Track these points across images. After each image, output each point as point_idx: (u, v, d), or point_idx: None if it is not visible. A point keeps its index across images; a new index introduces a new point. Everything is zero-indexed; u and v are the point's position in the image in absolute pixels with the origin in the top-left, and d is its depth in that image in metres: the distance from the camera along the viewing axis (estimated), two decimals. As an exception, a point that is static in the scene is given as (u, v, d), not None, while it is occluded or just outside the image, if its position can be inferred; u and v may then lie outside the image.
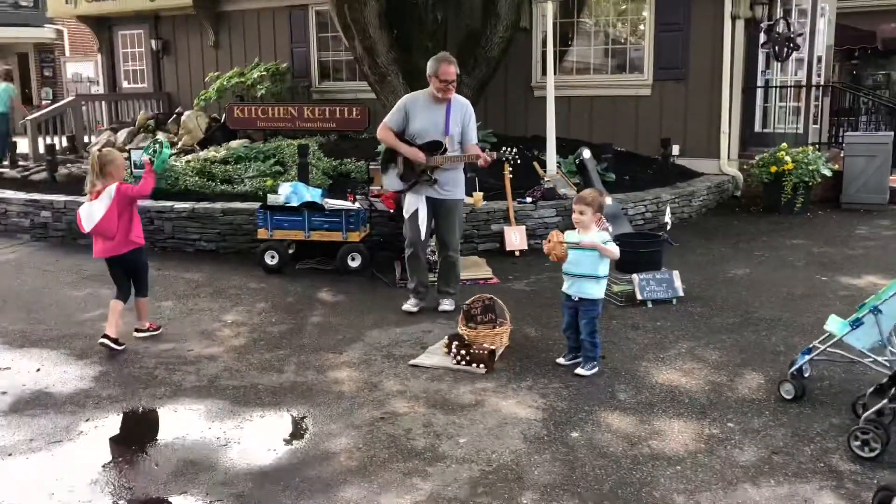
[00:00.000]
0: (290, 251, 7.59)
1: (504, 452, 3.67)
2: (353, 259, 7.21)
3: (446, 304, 5.81)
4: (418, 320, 5.76)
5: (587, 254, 4.48)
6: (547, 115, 9.16)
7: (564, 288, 4.63)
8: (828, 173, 9.68)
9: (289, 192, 7.44)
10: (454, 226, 5.78)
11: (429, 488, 3.37)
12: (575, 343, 4.67)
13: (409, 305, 5.92)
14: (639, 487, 3.33)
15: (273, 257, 7.26)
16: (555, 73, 9.59)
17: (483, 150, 5.66)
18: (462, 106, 5.67)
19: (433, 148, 5.61)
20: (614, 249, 4.52)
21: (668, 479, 3.40)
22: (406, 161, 5.66)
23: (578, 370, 4.58)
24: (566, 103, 11.01)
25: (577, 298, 4.56)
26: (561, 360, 4.71)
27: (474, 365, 4.73)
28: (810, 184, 9.70)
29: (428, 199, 5.72)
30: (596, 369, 4.61)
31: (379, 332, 5.52)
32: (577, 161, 8.77)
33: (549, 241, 4.48)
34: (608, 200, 8.20)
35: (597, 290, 4.55)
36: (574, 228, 4.63)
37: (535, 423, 3.99)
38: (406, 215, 5.81)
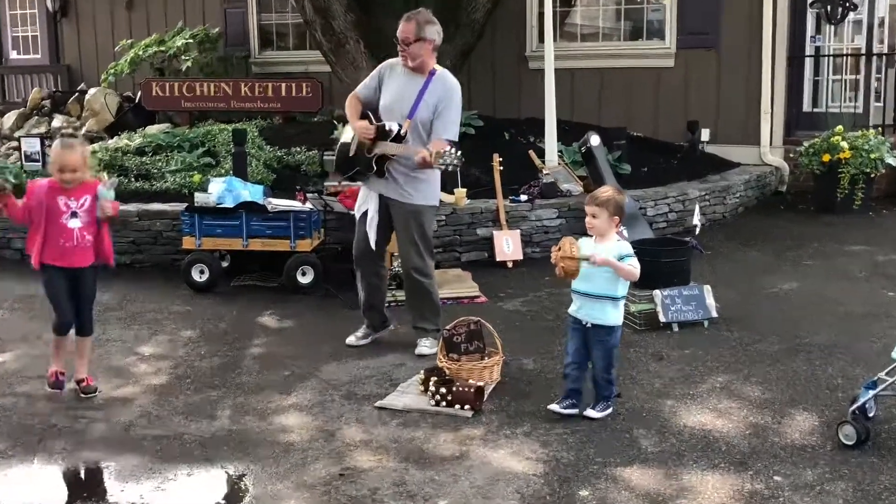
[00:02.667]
0: (224, 264, 7.60)
1: (496, 517, 3.65)
2: (303, 274, 7.23)
3: (424, 347, 5.70)
4: (385, 351, 5.76)
5: (604, 270, 4.47)
6: (545, 92, 9.21)
7: (572, 310, 4.64)
8: (893, 163, 9.81)
9: (222, 189, 7.43)
10: (413, 239, 5.63)
11: (401, 564, 3.36)
12: (577, 383, 4.62)
13: (354, 337, 5.87)
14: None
15: (202, 272, 7.27)
16: (554, 40, 9.65)
17: (450, 146, 5.37)
18: (445, 87, 5.54)
19: (389, 132, 5.53)
20: (634, 267, 4.48)
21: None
22: (359, 144, 5.64)
23: (589, 412, 4.58)
24: (569, 77, 11.08)
25: (588, 324, 4.56)
26: (555, 407, 4.62)
27: (458, 406, 4.74)
28: (872, 176, 9.83)
29: (382, 198, 5.66)
30: (609, 410, 4.62)
31: (337, 366, 5.51)
32: (583, 149, 8.84)
33: (559, 250, 4.46)
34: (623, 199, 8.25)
35: (614, 315, 4.55)
36: (588, 235, 4.64)
37: (535, 479, 3.99)
38: (357, 215, 5.79)
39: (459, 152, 5.36)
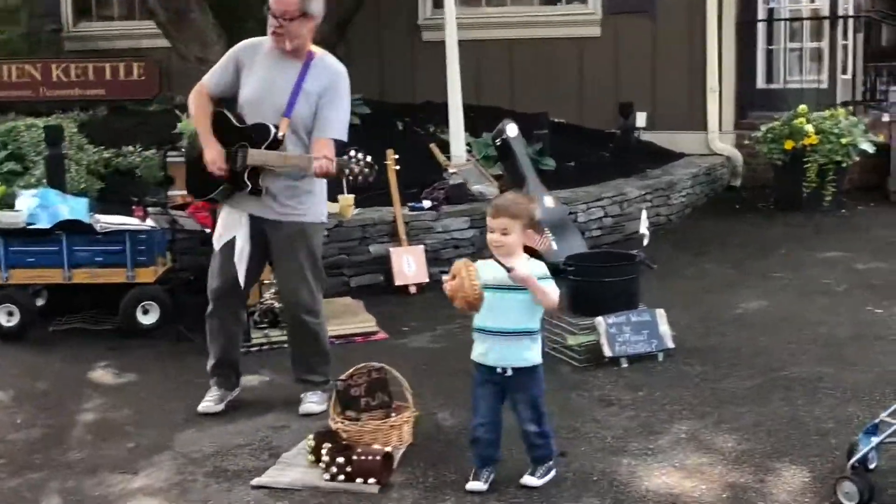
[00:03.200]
0: (40, 303, 7.43)
1: None
2: (145, 312, 7.14)
3: (311, 403, 5.58)
4: (260, 409, 5.66)
5: (519, 297, 4.38)
6: (447, 69, 9.20)
7: (478, 355, 4.51)
8: (869, 149, 10.14)
9: (33, 205, 7.25)
10: (302, 270, 5.50)
11: None
12: (493, 448, 4.53)
13: (207, 402, 5.67)
14: None
15: (11, 315, 7.10)
16: (455, 5, 9.62)
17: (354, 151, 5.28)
18: (329, 74, 5.40)
19: (259, 135, 5.34)
20: (554, 291, 4.42)
21: None
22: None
23: (526, 479, 4.51)
24: (474, 51, 11.11)
25: (505, 371, 4.44)
26: (477, 486, 4.47)
27: (360, 480, 4.62)
28: (844, 165, 10.14)
29: (254, 219, 5.49)
30: (552, 474, 4.57)
31: (197, 434, 5.36)
32: (497, 141, 8.87)
33: (454, 278, 4.31)
34: (549, 202, 8.33)
35: (535, 353, 4.49)
36: (490, 256, 4.53)
37: (466, 571, 3.88)
38: (216, 245, 5.58)
39: (369, 157, 5.25)
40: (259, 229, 5.48)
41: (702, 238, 9.34)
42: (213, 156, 5.36)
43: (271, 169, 5.34)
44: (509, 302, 4.37)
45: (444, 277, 4.41)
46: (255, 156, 5.32)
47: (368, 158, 5.26)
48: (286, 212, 5.43)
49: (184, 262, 7.55)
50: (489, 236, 4.40)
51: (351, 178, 5.22)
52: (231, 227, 5.50)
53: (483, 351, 4.45)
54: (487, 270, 4.36)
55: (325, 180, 5.49)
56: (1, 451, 5.22)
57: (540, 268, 4.42)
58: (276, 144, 5.33)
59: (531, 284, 4.32)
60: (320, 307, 5.66)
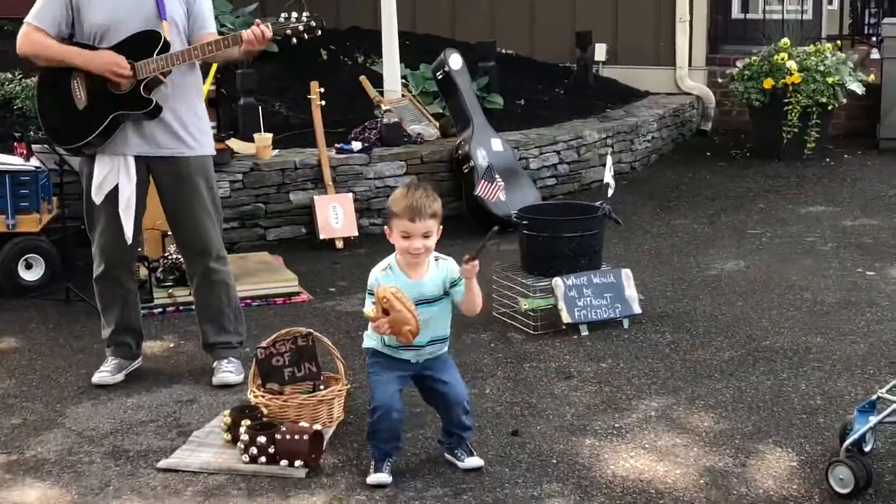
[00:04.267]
0: None
1: None
2: (28, 266, 7.08)
3: (227, 372, 5.54)
4: (165, 379, 5.66)
5: (435, 308, 4.49)
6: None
7: (391, 350, 4.56)
8: (857, 90, 10.24)
9: None
10: (209, 212, 5.49)
11: None
12: (396, 439, 4.55)
13: (103, 373, 5.62)
14: None
15: None
16: None
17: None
18: None
19: (141, 47, 5.25)
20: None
21: None
22: (89, 83, 5.33)
23: (468, 462, 4.57)
24: (411, -31, 10.99)
25: (428, 373, 4.61)
26: (380, 478, 4.46)
27: (285, 462, 4.61)
28: (829, 108, 10.23)
29: (139, 160, 5.41)
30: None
31: (93, 408, 5.33)
32: (438, 75, 8.83)
33: (385, 312, 4.29)
34: (497, 145, 8.33)
35: (445, 347, 4.67)
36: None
37: (410, 566, 3.89)
38: (96, 198, 5.47)
39: (306, 13, 5.30)
40: (145, 172, 5.42)
41: (669, 189, 9.39)
42: (110, 58, 5.24)
43: (164, 83, 5.28)
44: (429, 314, 4.42)
45: (368, 312, 4.35)
46: (156, 62, 5.23)
47: (305, 14, 5.23)
48: (181, 145, 5.39)
49: (74, 209, 7.39)
50: (408, 243, 4.32)
51: (294, 37, 5.18)
52: (112, 175, 5.40)
53: (404, 356, 4.53)
54: (398, 284, 4.37)
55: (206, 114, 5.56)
56: None
57: (455, 269, 4.47)
58: (167, 49, 5.27)
59: (474, 282, 4.45)
60: (226, 254, 5.66)
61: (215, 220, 5.55)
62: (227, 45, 5.27)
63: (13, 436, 5.02)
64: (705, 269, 7.23)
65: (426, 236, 4.30)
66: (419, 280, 4.40)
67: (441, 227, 4.40)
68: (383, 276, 4.39)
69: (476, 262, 4.36)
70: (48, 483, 4.57)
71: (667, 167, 10.21)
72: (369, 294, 4.40)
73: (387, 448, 4.47)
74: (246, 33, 5.19)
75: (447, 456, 4.61)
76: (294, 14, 5.23)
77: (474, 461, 4.54)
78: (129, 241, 5.46)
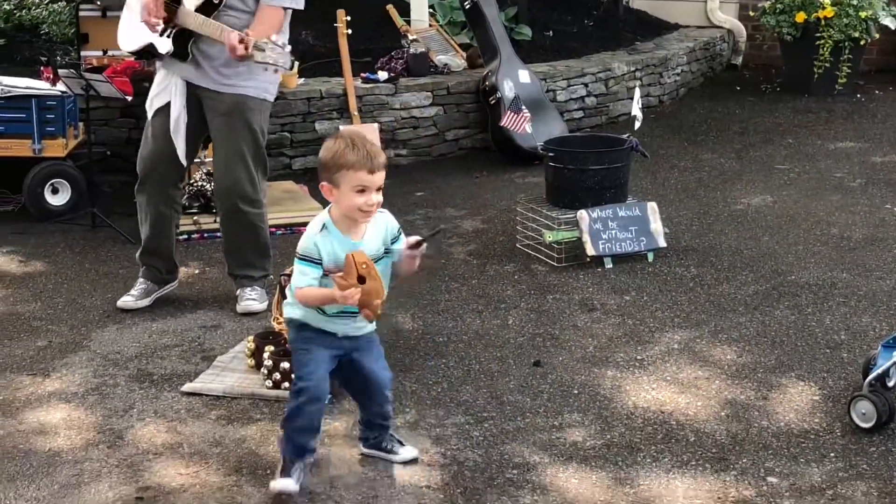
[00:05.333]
0: None
1: (377, 552, 3.58)
2: (54, 191, 7.08)
3: (251, 300, 5.56)
4: (191, 306, 5.68)
5: (381, 266, 3.86)
6: None
7: (327, 327, 3.94)
8: (890, 24, 10.11)
9: None
10: (241, 152, 5.45)
11: None
12: (316, 433, 4.02)
13: (128, 297, 5.65)
14: None
15: None
16: None
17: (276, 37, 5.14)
18: None
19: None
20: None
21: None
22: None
23: (404, 452, 4.13)
24: None
25: (359, 335, 3.99)
26: (284, 484, 3.90)
27: (308, 388, 4.62)
28: (862, 43, 10.11)
29: (190, 86, 5.42)
30: None
31: (118, 332, 5.36)
32: (466, 5, 8.75)
33: (361, 280, 3.69)
34: (525, 77, 8.29)
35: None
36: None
37: (429, 492, 3.94)
38: (148, 110, 5.54)
39: (289, 48, 5.16)
40: (196, 98, 5.42)
41: (697, 123, 9.30)
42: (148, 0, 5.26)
43: (197, 32, 5.28)
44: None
45: (334, 276, 3.72)
46: (181, 15, 5.27)
47: (288, 49, 5.15)
48: (224, 81, 5.36)
49: (99, 134, 7.43)
50: (364, 198, 3.70)
51: (265, 65, 5.10)
52: (165, 92, 5.44)
53: (333, 322, 3.91)
54: (340, 247, 3.77)
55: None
56: None
57: (393, 221, 3.95)
58: (212, 8, 5.25)
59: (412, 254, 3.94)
60: (261, 197, 5.60)
61: (252, 163, 5.48)
62: (214, 36, 5.19)
63: (39, 358, 5.06)
64: (732, 204, 7.18)
65: (381, 188, 3.76)
66: (360, 240, 3.81)
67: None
68: (321, 238, 3.77)
69: (420, 250, 3.91)
70: (73, 405, 4.62)
71: (695, 101, 10.11)
72: (301, 260, 3.78)
73: (302, 441, 3.90)
74: (229, 38, 5.04)
75: (376, 452, 4.12)
76: (283, 46, 5.11)
77: (410, 451, 4.12)
78: (185, 162, 5.50)
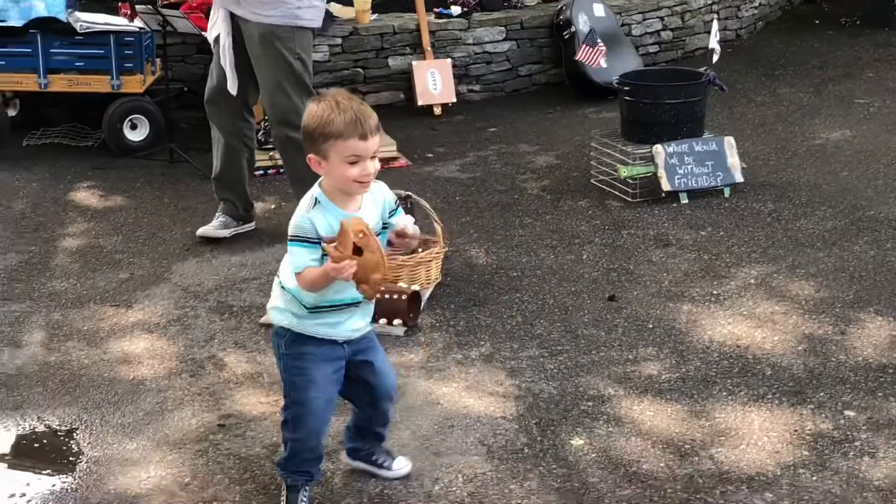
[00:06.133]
0: (12, 113, 7.46)
1: (453, 481, 3.64)
2: (133, 127, 7.15)
3: None
4: (269, 239, 5.72)
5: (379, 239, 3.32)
6: None
7: (315, 330, 3.36)
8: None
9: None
10: (277, 78, 5.43)
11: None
12: (321, 459, 3.54)
13: (208, 226, 5.72)
14: (701, 534, 3.34)
15: None
16: None
17: None
18: None
19: None
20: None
21: (751, 515, 3.42)
22: None
23: (397, 466, 3.67)
24: None
25: (361, 337, 3.46)
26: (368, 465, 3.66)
27: (383, 321, 4.68)
28: (947, -28, 9.90)
29: (233, 17, 5.45)
30: None
31: (198, 265, 5.44)
32: (540, -62, 8.68)
33: (358, 252, 3.10)
34: (599, 10, 8.22)
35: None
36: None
37: (505, 423, 3.98)
38: (210, 39, 5.64)
39: None
40: (238, 28, 5.44)
41: (775, 57, 9.18)
42: None
43: None
44: None
45: (329, 246, 3.14)
46: None
47: None
48: (253, 10, 5.36)
49: (176, 70, 7.50)
50: (359, 169, 3.18)
51: None
52: (216, 23, 5.49)
53: (332, 326, 3.35)
54: (335, 221, 3.20)
55: None
56: (-25, 278, 5.31)
57: (389, 192, 3.45)
58: None
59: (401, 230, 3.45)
60: (295, 122, 5.57)
61: (291, 89, 5.46)
62: None
63: (121, 290, 5.16)
64: (810, 139, 7.10)
65: (374, 157, 3.23)
66: (355, 212, 3.27)
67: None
68: (315, 213, 3.23)
69: (408, 239, 3.45)
70: (156, 335, 4.71)
71: (773, 35, 9.98)
72: (295, 242, 3.23)
73: (309, 470, 3.46)
74: None
75: (365, 466, 3.66)
76: None
77: (403, 464, 3.66)
78: (234, 91, 5.49)
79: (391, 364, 3.64)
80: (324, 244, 3.16)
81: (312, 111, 3.20)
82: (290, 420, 3.37)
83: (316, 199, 3.25)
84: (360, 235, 3.08)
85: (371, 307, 3.44)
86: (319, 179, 3.30)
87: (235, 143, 5.69)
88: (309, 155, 3.23)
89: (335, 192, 3.25)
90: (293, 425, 3.36)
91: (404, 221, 3.43)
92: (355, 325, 3.38)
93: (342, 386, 3.44)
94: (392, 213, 3.41)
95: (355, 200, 3.29)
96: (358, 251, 3.07)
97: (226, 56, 5.45)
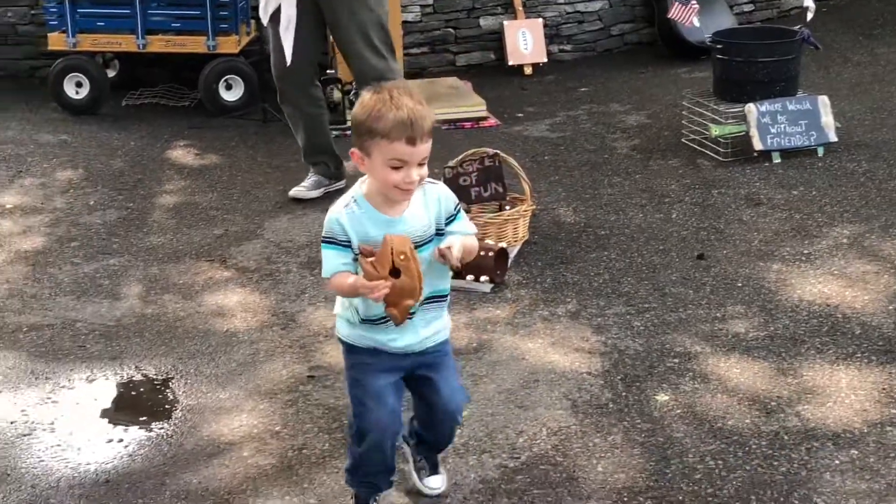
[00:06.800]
0: (111, 73, 7.56)
1: (538, 434, 3.67)
2: (228, 87, 7.22)
3: None
4: None
5: (423, 254, 2.97)
6: None
7: (374, 341, 3.06)
8: None
9: None
10: (366, 34, 5.46)
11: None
12: (392, 470, 3.26)
13: (300, 187, 5.79)
14: (786, 490, 3.33)
15: (80, 86, 7.22)
16: None
17: None
18: None
19: None
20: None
21: (838, 472, 3.41)
22: None
23: (431, 483, 3.40)
24: None
25: (419, 350, 3.10)
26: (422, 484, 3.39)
27: (470, 277, 4.72)
28: None
29: None
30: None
31: (290, 222, 5.51)
32: None
33: (394, 273, 2.82)
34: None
35: (448, 319, 3.22)
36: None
37: (590, 379, 4.00)
38: (263, 19, 5.61)
39: None
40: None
41: (873, 16, 9.00)
42: None
43: None
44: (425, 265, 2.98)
45: (365, 262, 2.84)
46: None
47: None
48: None
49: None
50: (401, 175, 2.85)
51: None
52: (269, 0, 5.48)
53: (388, 336, 3.04)
54: (372, 226, 2.93)
55: None
56: (75, 233, 5.44)
57: (449, 194, 3.07)
58: None
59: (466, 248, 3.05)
60: (396, 74, 5.60)
61: (378, 42, 5.50)
62: None
63: (216, 245, 5.26)
64: (907, 99, 7.00)
65: (422, 163, 2.88)
66: (400, 216, 2.95)
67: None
68: (347, 215, 2.95)
69: (451, 259, 2.95)
70: (248, 288, 4.80)
71: (871, -6, 9.83)
72: (325, 244, 3.00)
73: (376, 482, 3.23)
74: None
75: (408, 456, 3.43)
76: None
77: (438, 482, 3.39)
78: (289, 62, 5.50)
79: (461, 386, 3.28)
80: (361, 257, 2.88)
81: (364, 101, 2.90)
82: (355, 434, 3.12)
83: (354, 198, 2.97)
84: (402, 258, 2.79)
85: (435, 315, 3.08)
86: (364, 176, 3.00)
87: (313, 110, 5.74)
88: (352, 149, 2.93)
89: (376, 194, 2.94)
90: (357, 438, 3.11)
91: (454, 240, 2.96)
92: (411, 338, 3.04)
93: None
94: (450, 219, 3.03)
95: (400, 204, 2.95)
96: (395, 273, 2.80)
97: (290, 27, 5.45)
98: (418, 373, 3.10)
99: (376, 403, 3.03)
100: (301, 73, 5.59)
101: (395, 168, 2.83)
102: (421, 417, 3.27)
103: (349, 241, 2.92)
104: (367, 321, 3.02)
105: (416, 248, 2.87)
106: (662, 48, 8.25)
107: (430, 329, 3.06)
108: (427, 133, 2.85)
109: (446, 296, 3.09)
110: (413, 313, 2.95)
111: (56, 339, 4.42)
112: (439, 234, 2.99)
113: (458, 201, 3.07)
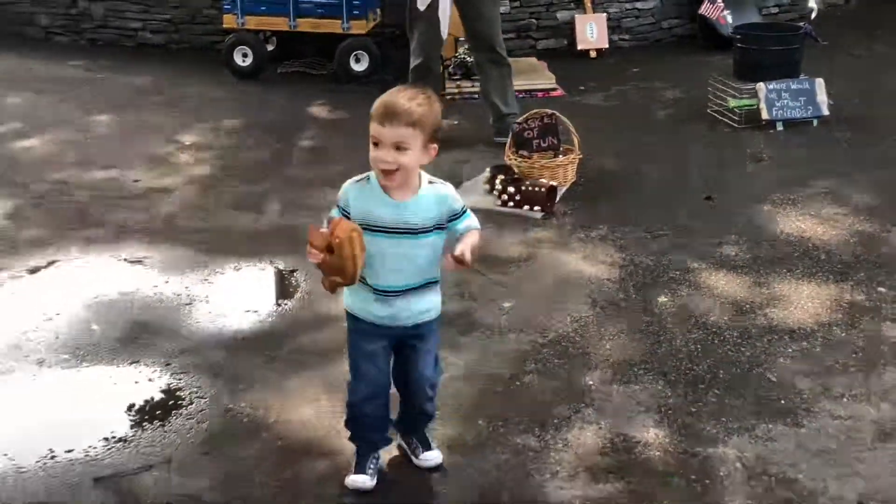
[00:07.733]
0: (270, 48, 7.67)
1: (563, 321, 3.83)
2: (357, 60, 7.29)
3: (502, 137, 5.62)
4: (449, 146, 5.79)
5: (422, 241, 2.78)
6: None
7: (367, 313, 2.86)
8: None
9: None
10: (497, 13, 5.70)
11: (461, 363, 3.55)
12: (383, 427, 3.03)
13: None
14: (746, 369, 3.47)
15: (245, 56, 7.35)
16: None
17: None
18: None
19: None
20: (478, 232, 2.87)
21: (789, 358, 3.53)
22: None
23: (426, 457, 3.06)
24: None
25: (411, 324, 2.86)
26: (358, 481, 2.96)
27: (527, 207, 4.85)
28: None
29: None
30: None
31: None
32: None
33: (328, 250, 2.64)
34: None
35: (438, 300, 2.94)
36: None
37: (609, 283, 4.13)
38: (420, 5, 5.68)
39: None
40: None
41: (879, 22, 8.79)
42: None
43: None
44: (408, 248, 2.77)
45: (314, 231, 2.67)
46: None
47: None
48: None
49: (391, 16, 7.62)
50: (378, 154, 2.71)
51: None
52: None
53: (382, 312, 2.83)
54: (376, 204, 2.76)
55: None
56: (236, 166, 5.66)
57: (454, 194, 2.83)
58: None
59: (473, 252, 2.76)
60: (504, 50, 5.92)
61: (498, 23, 5.78)
62: None
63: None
64: (893, 86, 6.88)
65: (399, 148, 2.67)
66: (403, 201, 2.75)
67: (435, 145, 2.75)
68: (356, 188, 2.81)
69: (464, 264, 2.73)
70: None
71: (883, 3, 9.48)
72: (339, 209, 2.83)
73: (372, 438, 3.00)
74: None
75: (401, 442, 3.12)
76: None
77: (433, 456, 3.06)
78: (445, 37, 5.78)
79: (440, 360, 3.02)
80: (312, 225, 2.77)
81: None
82: (349, 393, 2.95)
83: (367, 176, 2.81)
84: (336, 240, 2.61)
85: (427, 295, 2.85)
86: None
87: (438, 70, 6.03)
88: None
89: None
90: (350, 392, 2.94)
91: (464, 247, 2.73)
92: (402, 311, 2.81)
93: (394, 371, 2.96)
94: (453, 218, 2.79)
95: (406, 190, 2.74)
96: (329, 249, 2.64)
97: (446, 11, 5.62)
98: (407, 342, 2.90)
99: (368, 362, 2.88)
100: (433, 70, 5.86)
101: (375, 144, 2.70)
102: (396, 377, 2.97)
103: (347, 211, 2.78)
104: (357, 292, 2.83)
105: (413, 233, 2.73)
106: (701, 40, 8.19)
107: (418, 306, 2.83)
108: (401, 122, 2.65)
109: (437, 282, 2.86)
110: (391, 290, 2.78)
111: (215, 240, 4.63)
112: (439, 228, 2.78)
113: (463, 206, 2.83)
